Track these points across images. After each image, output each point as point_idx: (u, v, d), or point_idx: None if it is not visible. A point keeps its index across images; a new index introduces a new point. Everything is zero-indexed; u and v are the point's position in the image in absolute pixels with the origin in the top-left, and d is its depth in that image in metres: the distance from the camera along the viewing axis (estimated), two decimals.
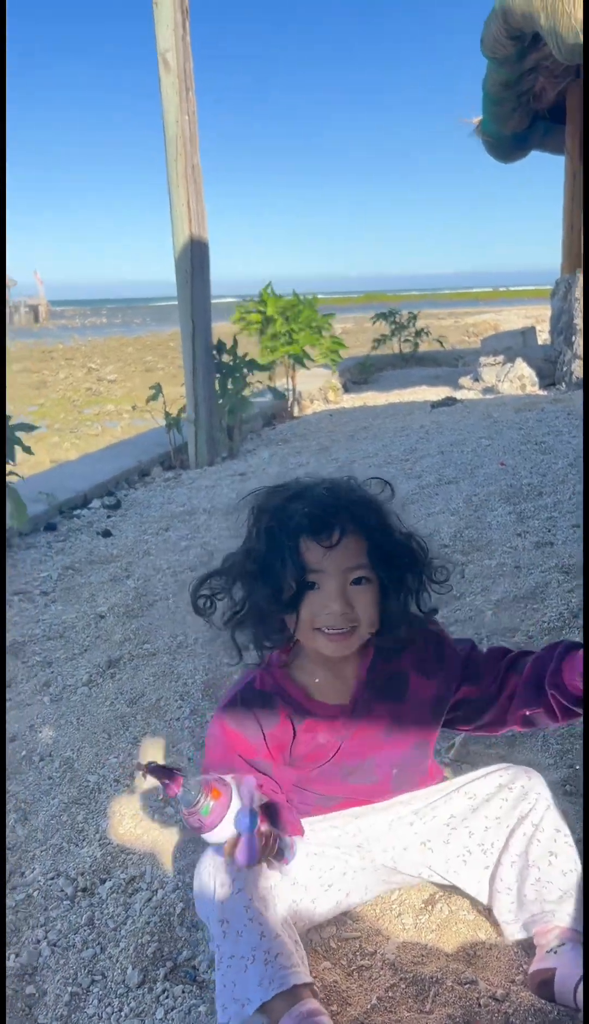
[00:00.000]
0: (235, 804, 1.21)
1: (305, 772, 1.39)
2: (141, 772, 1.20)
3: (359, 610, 1.24)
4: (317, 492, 1.27)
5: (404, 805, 1.45)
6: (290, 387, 9.18)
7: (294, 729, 1.34)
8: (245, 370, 6.33)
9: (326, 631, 1.24)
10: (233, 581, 1.33)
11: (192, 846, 1.80)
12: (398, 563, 1.27)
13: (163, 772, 1.19)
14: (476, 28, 7.05)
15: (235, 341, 6.51)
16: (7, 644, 2.91)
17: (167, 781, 1.18)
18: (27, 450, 3.83)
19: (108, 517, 4.78)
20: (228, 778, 1.25)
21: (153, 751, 2.20)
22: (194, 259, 5.69)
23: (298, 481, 1.33)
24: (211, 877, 1.29)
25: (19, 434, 3.82)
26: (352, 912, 1.50)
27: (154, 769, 1.20)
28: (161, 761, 2.13)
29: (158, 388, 6.20)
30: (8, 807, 2.02)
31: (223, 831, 1.21)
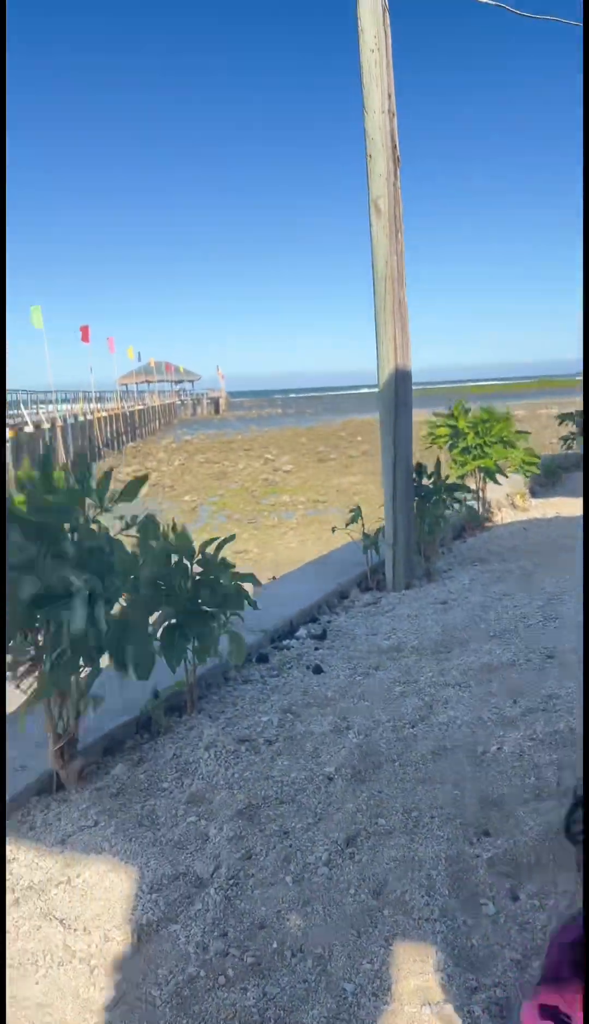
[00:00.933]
0: None
1: None
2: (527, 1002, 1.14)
3: None
4: None
5: None
6: (480, 496, 9.09)
7: None
8: (444, 494, 6.33)
9: None
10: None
11: None
12: None
13: (552, 1015, 1.13)
14: None
15: (437, 463, 6.55)
16: (243, 806, 2.96)
17: None
18: (253, 604, 3.96)
19: (315, 649, 4.84)
20: None
21: (407, 959, 2.13)
22: (398, 389, 5.83)
23: None
24: None
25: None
26: None
27: (545, 1011, 1.14)
28: (425, 972, 2.06)
29: (357, 511, 6.31)
30: (267, 1014, 2.01)
31: None
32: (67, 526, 3.08)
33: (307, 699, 3.99)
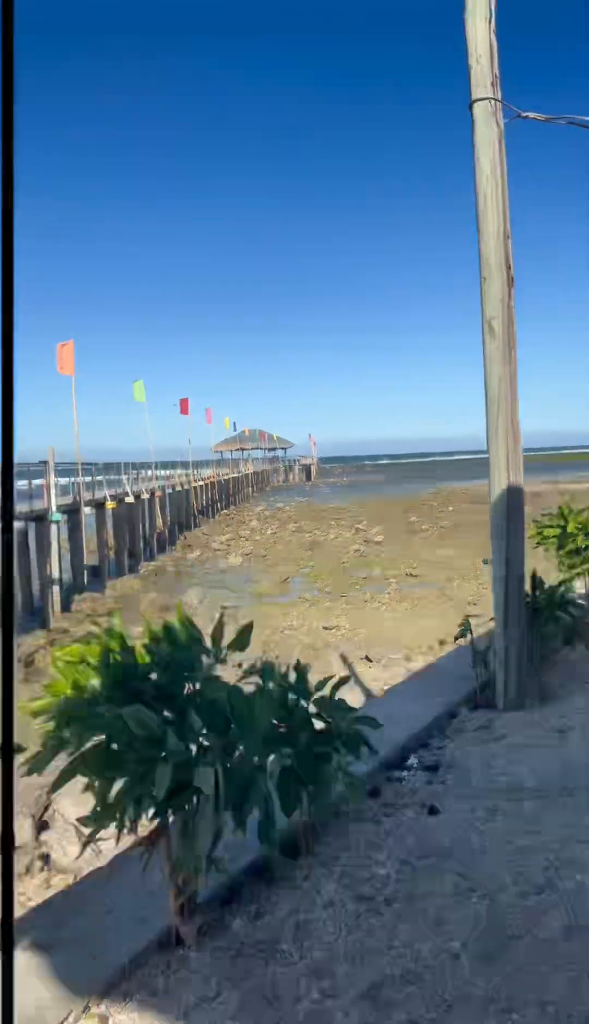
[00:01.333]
0: None
1: None
2: None
3: None
4: None
5: None
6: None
7: None
8: (559, 610, 6.18)
9: None
10: None
11: None
12: None
13: None
14: None
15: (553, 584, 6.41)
16: (367, 985, 2.87)
17: None
18: (372, 749, 3.93)
19: (428, 783, 4.73)
20: None
21: None
22: (510, 506, 5.78)
23: None
24: None
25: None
26: None
27: None
28: None
29: (467, 625, 6.22)
30: None
31: None
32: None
33: (424, 847, 3.88)
